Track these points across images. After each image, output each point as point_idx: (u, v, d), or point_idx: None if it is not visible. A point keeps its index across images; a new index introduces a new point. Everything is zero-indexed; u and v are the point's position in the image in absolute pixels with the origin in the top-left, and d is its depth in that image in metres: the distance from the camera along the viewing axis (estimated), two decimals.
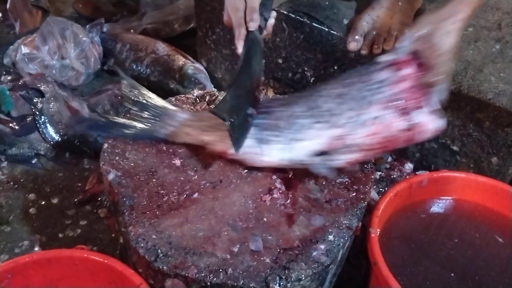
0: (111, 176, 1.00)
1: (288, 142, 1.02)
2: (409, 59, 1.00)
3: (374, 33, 1.30)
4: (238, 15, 1.07)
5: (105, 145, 1.07)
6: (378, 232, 1.01)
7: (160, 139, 1.09)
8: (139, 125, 1.08)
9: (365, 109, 0.99)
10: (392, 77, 1.00)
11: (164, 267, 0.85)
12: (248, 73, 1.08)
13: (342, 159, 1.02)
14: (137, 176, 1.01)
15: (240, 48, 1.07)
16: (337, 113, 1.01)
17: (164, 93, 1.32)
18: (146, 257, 0.86)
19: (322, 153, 1.01)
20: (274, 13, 1.17)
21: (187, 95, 1.26)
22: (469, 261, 1.04)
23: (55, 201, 1.40)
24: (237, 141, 0.99)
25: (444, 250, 1.05)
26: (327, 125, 1.01)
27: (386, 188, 1.34)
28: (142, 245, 0.88)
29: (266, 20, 1.12)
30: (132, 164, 1.04)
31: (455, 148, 1.31)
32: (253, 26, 1.07)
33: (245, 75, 1.07)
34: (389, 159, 1.43)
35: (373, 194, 1.20)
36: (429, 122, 0.98)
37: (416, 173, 1.36)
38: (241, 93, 1.04)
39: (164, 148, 1.09)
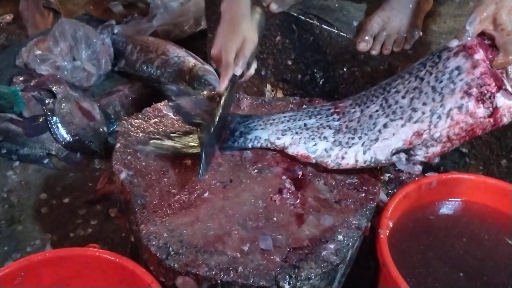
0: (123, 175, 1.01)
1: (369, 143, 1.02)
2: (478, 42, 0.98)
3: (384, 34, 1.31)
4: (230, 56, 1.12)
5: (117, 145, 1.08)
6: (387, 233, 1.01)
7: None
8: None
9: (444, 101, 0.97)
10: (466, 64, 0.97)
11: (175, 265, 0.86)
12: (226, 112, 1.14)
13: (422, 155, 1.02)
14: (149, 176, 1.02)
15: (223, 86, 1.12)
16: (413, 108, 1.00)
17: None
18: (158, 255, 0.87)
19: (402, 150, 1.02)
20: (255, 64, 1.23)
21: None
22: (478, 263, 1.03)
23: (66, 200, 1.41)
24: (203, 169, 1.02)
25: (453, 251, 1.05)
26: (404, 122, 1.00)
27: (395, 190, 1.33)
28: (153, 243, 0.89)
29: (248, 68, 1.19)
30: (143, 164, 1.05)
31: (464, 150, 1.31)
32: (238, 71, 1.13)
33: (224, 113, 1.13)
34: None
35: (382, 196, 1.19)
36: (508, 105, 0.96)
37: (425, 174, 1.36)
38: (217, 129, 1.10)
39: None
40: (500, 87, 0.96)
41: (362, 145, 1.03)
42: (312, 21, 1.44)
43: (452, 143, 0.99)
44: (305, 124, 1.10)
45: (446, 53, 1.01)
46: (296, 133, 1.09)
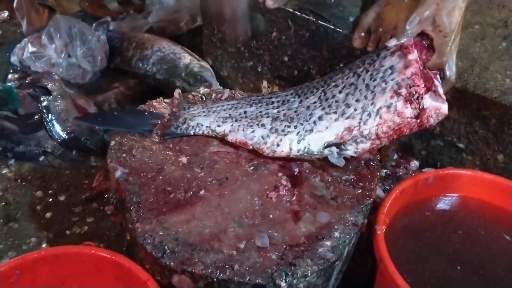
0: (118, 173, 1.01)
1: (303, 133, 1.04)
2: (415, 42, 1.01)
3: (380, 30, 1.30)
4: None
5: (112, 143, 1.08)
6: (384, 229, 1.01)
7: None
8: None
9: (375, 99, 1.00)
10: (399, 64, 1.00)
11: (171, 263, 0.85)
12: None
13: (352, 150, 1.03)
14: (144, 173, 1.02)
15: None
16: (347, 103, 1.02)
17: (170, 91, 1.33)
18: (153, 253, 0.87)
19: (333, 144, 1.03)
20: None
21: (193, 93, 1.26)
22: (475, 258, 1.03)
23: (62, 198, 1.41)
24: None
25: (450, 247, 1.05)
26: (338, 117, 1.02)
27: (391, 186, 1.33)
28: (149, 241, 0.88)
29: None
30: (139, 162, 1.04)
31: (461, 145, 1.31)
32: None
33: None
34: (395, 156, 1.43)
35: (379, 192, 1.19)
36: (435, 107, 0.99)
37: (422, 170, 1.36)
38: None
39: (171, 145, 1.10)
40: (429, 88, 0.99)
41: (297, 134, 1.05)
42: (308, 17, 1.43)
43: (380, 141, 1.02)
44: (245, 112, 1.13)
45: (384, 52, 1.04)
46: (236, 120, 1.11)
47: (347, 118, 1.02)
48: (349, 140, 1.02)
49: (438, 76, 1.04)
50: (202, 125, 1.13)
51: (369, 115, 1.00)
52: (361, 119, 1.00)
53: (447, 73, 1.05)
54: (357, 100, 1.02)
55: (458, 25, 1.01)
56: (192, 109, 1.20)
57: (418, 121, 1.00)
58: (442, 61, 1.02)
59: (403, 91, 0.98)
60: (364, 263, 1.17)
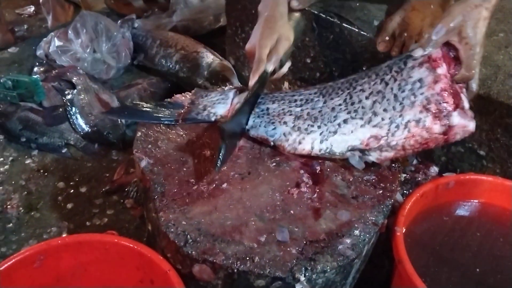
0: (143, 163, 1.03)
1: (327, 134, 1.05)
2: (443, 55, 1.01)
3: (405, 34, 1.31)
4: (264, 52, 1.12)
5: (138, 133, 1.10)
6: (404, 231, 1.01)
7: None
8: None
9: (403, 111, 1.01)
10: (428, 77, 1.01)
11: (193, 252, 0.86)
12: (250, 107, 1.14)
13: (374, 156, 1.04)
14: (169, 164, 1.03)
15: (253, 81, 1.12)
16: (374, 111, 1.03)
17: (192, 89, 1.34)
18: (176, 241, 0.88)
19: (357, 149, 1.04)
20: (289, 63, 1.23)
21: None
22: (493, 264, 1.03)
23: (83, 190, 1.43)
24: (222, 162, 1.00)
25: (468, 252, 1.05)
26: (364, 123, 1.03)
27: (410, 191, 1.33)
28: (172, 230, 0.90)
29: (281, 66, 1.18)
30: (164, 153, 1.06)
31: (481, 152, 1.30)
32: (269, 67, 1.13)
33: (248, 108, 1.13)
34: (414, 161, 1.43)
35: (398, 196, 1.20)
36: (463, 125, 0.99)
37: (443, 175, 1.36)
38: (238, 123, 1.11)
39: (195, 139, 1.11)
40: (457, 105, 0.99)
41: (320, 134, 1.06)
42: (332, 19, 1.44)
43: (405, 152, 1.03)
44: (267, 108, 1.14)
45: (412, 62, 1.04)
46: (258, 116, 1.13)
47: (374, 126, 1.03)
48: (375, 148, 1.03)
49: (464, 90, 1.04)
50: (222, 115, 1.16)
51: (397, 127, 1.01)
52: (389, 130, 1.01)
53: (473, 85, 1.05)
54: (385, 110, 1.03)
55: (483, 37, 1.01)
56: (210, 96, 1.22)
57: (445, 137, 1.00)
58: (470, 75, 1.02)
59: (432, 107, 0.98)
60: (381, 265, 1.17)
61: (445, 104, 0.98)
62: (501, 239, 1.08)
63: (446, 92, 0.99)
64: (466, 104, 1.01)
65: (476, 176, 1.15)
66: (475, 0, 0.99)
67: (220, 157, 0.99)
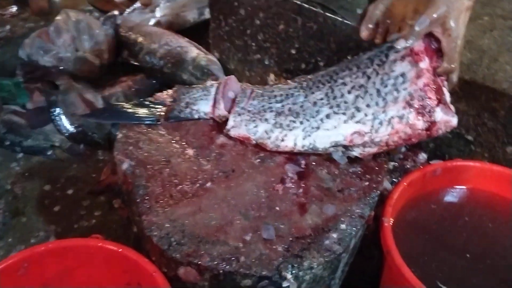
0: (125, 166, 1.01)
1: (310, 130, 1.04)
2: (425, 47, 1.00)
3: (388, 21, 1.29)
4: None
5: (119, 135, 1.08)
6: (391, 222, 1.00)
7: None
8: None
9: (386, 107, 1.00)
10: (411, 72, 1.00)
11: (177, 255, 0.85)
12: None
13: (357, 152, 1.04)
14: (151, 166, 1.02)
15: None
16: (357, 107, 1.02)
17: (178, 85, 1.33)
18: (160, 245, 0.87)
19: (341, 145, 1.03)
20: None
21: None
22: (483, 250, 1.03)
23: (70, 192, 1.41)
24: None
25: (458, 239, 1.05)
26: (347, 119, 1.02)
27: (399, 178, 1.32)
28: (155, 233, 0.88)
29: None
30: (145, 154, 1.05)
31: (469, 137, 1.30)
32: None
33: None
34: (403, 149, 1.42)
35: (386, 184, 1.19)
36: (446, 120, 0.99)
37: (430, 162, 1.35)
38: None
39: (178, 138, 1.10)
40: (440, 100, 0.99)
41: (303, 130, 1.05)
42: (315, 9, 1.42)
43: (388, 147, 1.04)
44: (247, 106, 1.12)
45: (394, 54, 1.03)
46: (239, 114, 1.11)
47: (357, 122, 1.02)
48: (359, 144, 1.02)
49: (445, 83, 1.04)
50: (205, 112, 1.15)
51: (381, 123, 1.00)
52: (372, 126, 1.01)
53: (453, 76, 1.05)
54: (368, 105, 1.02)
55: (464, 28, 1.00)
56: (191, 93, 1.20)
57: (428, 133, 1.00)
58: (452, 68, 1.01)
59: (416, 103, 0.98)
60: (370, 256, 1.16)
61: (428, 100, 0.98)
62: (490, 224, 1.08)
63: (429, 87, 0.98)
64: (448, 98, 1.00)
65: (463, 162, 1.14)
66: None
67: None
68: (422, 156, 1.38)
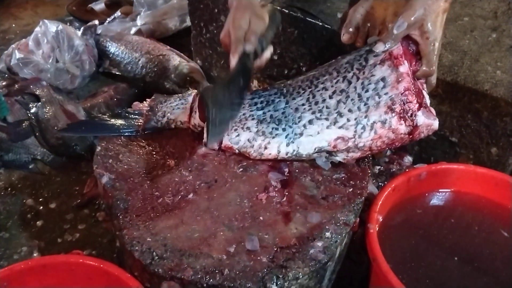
0: (104, 179, 0.99)
1: (293, 136, 1.03)
2: (404, 50, 0.99)
3: (368, 25, 1.28)
4: (239, 32, 1.05)
5: (98, 148, 1.06)
6: (377, 228, 0.99)
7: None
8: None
9: (368, 112, 0.99)
10: (391, 76, 0.99)
11: (160, 270, 0.84)
12: (236, 87, 1.07)
13: (341, 157, 1.04)
14: (131, 179, 1.00)
15: (233, 62, 1.05)
16: (339, 112, 1.01)
17: (160, 93, 1.31)
18: (141, 260, 0.85)
19: (325, 151, 1.02)
20: (271, 48, 1.14)
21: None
22: (471, 254, 1.02)
23: (53, 205, 1.39)
24: (213, 133, 0.99)
25: (445, 243, 1.04)
26: (330, 124, 1.02)
27: (385, 182, 1.32)
28: (137, 248, 0.87)
29: (262, 50, 1.09)
30: (125, 167, 1.03)
31: (454, 139, 1.29)
32: (249, 48, 1.05)
33: (234, 86, 1.06)
34: (388, 152, 1.42)
35: (372, 189, 1.18)
36: (427, 124, 0.99)
37: (415, 166, 1.34)
38: (227, 97, 1.04)
39: (158, 149, 1.08)
40: (420, 104, 0.99)
41: (286, 137, 1.04)
42: (296, 14, 1.41)
43: (371, 152, 1.04)
44: None
45: (373, 58, 1.03)
46: None
47: (340, 127, 1.01)
48: (343, 149, 1.02)
49: (424, 85, 1.04)
50: (182, 121, 1.14)
51: (364, 128, 1.00)
52: (355, 131, 1.00)
53: (432, 79, 1.05)
54: (350, 110, 1.01)
55: (441, 30, 1.00)
56: (169, 102, 1.18)
57: (411, 136, 1.01)
58: (431, 71, 1.01)
59: (397, 108, 0.98)
60: (360, 262, 1.15)
61: (409, 104, 0.98)
62: (477, 226, 1.07)
63: (410, 91, 0.98)
64: (428, 101, 1.01)
65: (448, 165, 1.13)
66: None
67: (209, 125, 0.96)
68: (408, 159, 1.38)
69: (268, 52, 1.13)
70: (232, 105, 1.06)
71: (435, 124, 1.00)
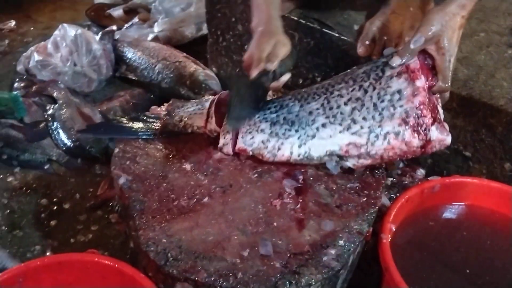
0: (121, 181, 1.01)
1: (305, 138, 1.04)
2: (421, 64, 1.00)
3: (385, 38, 1.29)
4: (263, 54, 1.08)
5: (116, 150, 1.08)
6: (390, 238, 1.00)
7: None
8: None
9: (382, 122, 1.00)
10: (407, 89, 1.00)
11: (174, 271, 0.85)
12: (253, 95, 1.10)
13: (351, 162, 1.04)
14: (148, 181, 1.02)
15: (254, 74, 1.07)
16: (353, 119, 1.02)
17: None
18: (156, 261, 0.86)
19: (336, 155, 1.03)
20: (289, 75, 1.17)
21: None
22: (482, 267, 1.02)
23: (67, 206, 1.40)
24: (232, 116, 1.02)
25: (456, 256, 1.04)
26: (343, 129, 1.03)
27: (397, 194, 1.32)
28: (152, 249, 0.88)
29: (281, 74, 1.13)
30: (142, 169, 1.04)
31: (467, 153, 1.30)
32: (270, 66, 1.08)
33: (254, 89, 1.09)
34: (401, 165, 1.42)
35: (385, 200, 1.19)
36: (440, 139, 1.00)
37: (428, 178, 1.35)
38: (248, 94, 1.08)
39: (174, 152, 1.09)
40: (435, 119, 1.00)
41: (299, 138, 1.06)
42: (312, 25, 1.43)
43: (382, 161, 1.05)
44: None
45: (390, 70, 1.04)
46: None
47: (353, 133, 1.02)
48: (355, 155, 1.03)
49: (439, 100, 1.05)
50: (198, 126, 1.15)
51: (377, 137, 1.01)
52: (368, 139, 1.01)
53: (445, 94, 1.06)
54: (364, 118, 1.02)
55: (457, 46, 1.01)
56: (186, 107, 1.20)
57: (423, 150, 1.01)
58: (447, 87, 1.02)
59: (411, 121, 0.99)
60: (370, 272, 1.15)
61: (424, 118, 0.99)
62: (489, 241, 1.07)
63: (425, 106, 0.99)
64: (442, 116, 1.02)
65: (461, 179, 1.14)
66: (453, 8, 0.98)
67: (230, 108, 0.99)
68: (420, 172, 1.38)
69: (285, 77, 1.16)
70: (250, 103, 1.09)
71: (448, 139, 1.01)
